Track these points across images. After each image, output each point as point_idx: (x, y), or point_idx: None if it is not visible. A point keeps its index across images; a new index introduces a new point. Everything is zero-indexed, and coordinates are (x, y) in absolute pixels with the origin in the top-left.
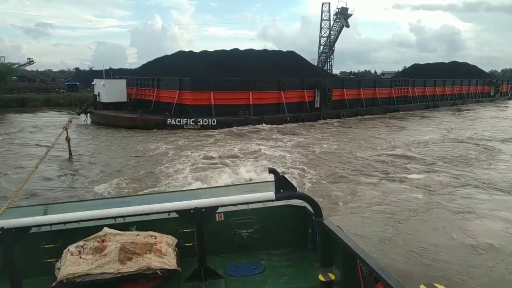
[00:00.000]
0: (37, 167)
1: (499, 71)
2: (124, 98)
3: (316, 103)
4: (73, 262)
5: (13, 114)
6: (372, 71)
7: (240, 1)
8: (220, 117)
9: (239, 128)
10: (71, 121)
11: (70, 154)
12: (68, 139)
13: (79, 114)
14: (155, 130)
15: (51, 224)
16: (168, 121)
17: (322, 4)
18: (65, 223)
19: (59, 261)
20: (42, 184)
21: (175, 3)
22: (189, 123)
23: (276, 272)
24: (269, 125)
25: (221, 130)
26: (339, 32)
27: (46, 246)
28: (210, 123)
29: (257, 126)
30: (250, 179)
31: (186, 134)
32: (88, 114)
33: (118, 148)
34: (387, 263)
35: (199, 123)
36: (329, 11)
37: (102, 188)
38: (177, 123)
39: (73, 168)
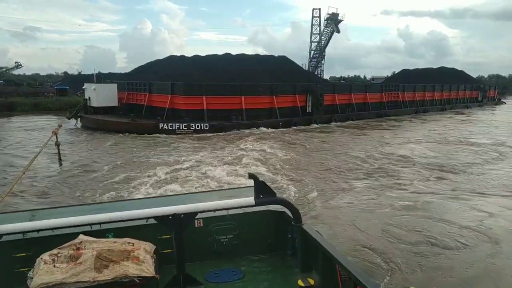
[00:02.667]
0: (24, 173)
1: (486, 76)
2: (115, 103)
3: (308, 108)
4: (46, 271)
5: (1, 118)
6: (362, 76)
7: (231, 7)
8: (213, 122)
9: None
10: (60, 126)
11: (60, 159)
12: (57, 144)
13: (69, 119)
14: (146, 134)
15: (23, 232)
16: (160, 126)
17: (313, 9)
18: (38, 230)
19: (32, 270)
20: (28, 189)
21: (165, 8)
22: (181, 128)
23: (256, 277)
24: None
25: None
26: (330, 37)
27: (18, 254)
28: (202, 128)
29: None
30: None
31: (179, 138)
32: (79, 119)
33: (109, 153)
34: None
35: (191, 128)
36: (319, 17)
37: (91, 194)
38: (169, 128)
39: (62, 173)
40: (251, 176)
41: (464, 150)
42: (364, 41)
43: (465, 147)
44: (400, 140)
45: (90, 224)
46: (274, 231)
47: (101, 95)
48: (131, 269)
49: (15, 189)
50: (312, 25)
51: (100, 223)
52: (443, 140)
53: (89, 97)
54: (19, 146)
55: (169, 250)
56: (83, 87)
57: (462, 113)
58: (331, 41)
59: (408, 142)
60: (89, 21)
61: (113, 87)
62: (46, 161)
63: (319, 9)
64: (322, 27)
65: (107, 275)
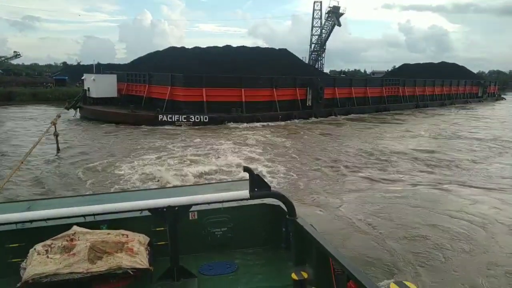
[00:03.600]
0: (22, 162)
1: (486, 72)
2: (114, 94)
3: (308, 101)
4: (39, 262)
5: (0, 108)
6: (362, 70)
7: None
8: (212, 114)
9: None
10: (59, 116)
11: (58, 149)
12: (56, 134)
13: (68, 109)
14: (144, 125)
15: (16, 223)
16: (159, 117)
17: (314, 2)
18: (31, 221)
19: (25, 261)
20: (25, 180)
21: None
22: (180, 120)
23: (250, 271)
24: None
25: None
26: (331, 30)
27: (11, 245)
28: (202, 120)
29: None
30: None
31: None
32: (78, 109)
33: (106, 143)
34: None
35: (191, 120)
36: (320, 10)
37: (88, 186)
38: (168, 119)
39: (60, 164)
40: (246, 169)
41: (476, 145)
42: (365, 35)
43: (475, 143)
44: (410, 134)
45: (84, 216)
46: (268, 225)
47: (100, 86)
48: (124, 261)
49: (12, 178)
50: (313, 18)
51: (94, 215)
52: (453, 135)
53: (88, 88)
54: (17, 135)
55: (163, 242)
56: (82, 78)
57: (466, 108)
58: (331, 34)
59: (418, 136)
60: (89, 11)
61: (113, 78)
62: (45, 149)
63: (320, 2)
64: (323, 20)
65: (100, 266)
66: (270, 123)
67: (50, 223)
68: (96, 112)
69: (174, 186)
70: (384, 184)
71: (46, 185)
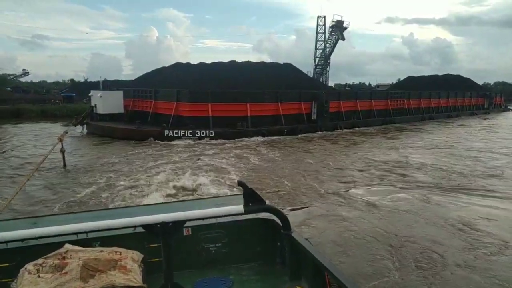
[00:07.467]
0: (28, 179)
1: (492, 83)
2: (121, 110)
3: (313, 115)
4: (30, 282)
5: (9, 125)
6: (366, 83)
7: (235, 14)
8: (218, 129)
9: None
10: (66, 132)
11: (65, 165)
12: (62, 151)
13: (75, 126)
14: (151, 140)
15: (6, 242)
16: (165, 133)
17: (318, 17)
18: (22, 240)
19: (15, 281)
20: (30, 196)
21: (170, 16)
22: (186, 135)
23: (245, 286)
24: None
25: None
26: (335, 44)
27: (0, 265)
28: (207, 135)
29: None
30: None
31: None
32: (85, 126)
33: (115, 159)
34: None
35: (196, 135)
36: (324, 24)
37: (94, 203)
38: (174, 135)
39: (66, 180)
40: (240, 183)
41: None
42: (369, 49)
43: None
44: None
45: (77, 233)
46: (263, 239)
47: (107, 102)
48: (118, 279)
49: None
50: (317, 32)
51: (86, 232)
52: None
53: (95, 104)
54: (25, 151)
55: (157, 259)
56: (90, 94)
57: (484, 118)
58: (335, 48)
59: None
60: (96, 29)
61: (119, 94)
62: (51, 165)
63: (324, 16)
64: (327, 35)
65: (93, 285)
66: (275, 137)
67: (42, 241)
68: (103, 128)
69: (168, 202)
70: None
71: (51, 202)
